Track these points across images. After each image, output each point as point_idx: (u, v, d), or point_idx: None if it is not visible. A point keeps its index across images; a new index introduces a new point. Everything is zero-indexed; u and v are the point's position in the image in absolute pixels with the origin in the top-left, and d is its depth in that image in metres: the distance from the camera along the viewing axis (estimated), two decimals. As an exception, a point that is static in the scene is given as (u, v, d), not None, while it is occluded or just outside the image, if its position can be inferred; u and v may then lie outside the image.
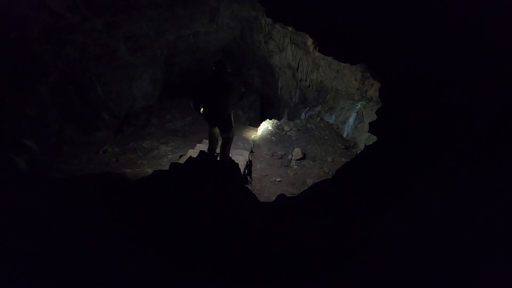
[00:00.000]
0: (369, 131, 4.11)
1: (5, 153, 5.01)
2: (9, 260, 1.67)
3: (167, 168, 3.78)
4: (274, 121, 7.67)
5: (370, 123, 4.04)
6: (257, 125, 9.25)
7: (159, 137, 7.40)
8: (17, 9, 5.54)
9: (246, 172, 5.12)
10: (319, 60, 7.15)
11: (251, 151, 6.00)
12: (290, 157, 5.96)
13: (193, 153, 4.90)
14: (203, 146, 5.16)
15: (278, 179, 5.31)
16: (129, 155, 5.87)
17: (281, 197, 3.90)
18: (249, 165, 5.34)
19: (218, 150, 4.16)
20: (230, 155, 4.42)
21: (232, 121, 3.77)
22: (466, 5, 2.30)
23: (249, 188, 4.68)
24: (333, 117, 7.53)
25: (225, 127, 3.73)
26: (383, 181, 2.92)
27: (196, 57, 10.88)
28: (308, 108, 8.45)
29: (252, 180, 5.29)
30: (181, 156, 5.23)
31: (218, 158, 4.09)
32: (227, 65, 3.53)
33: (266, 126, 7.33)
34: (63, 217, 3.03)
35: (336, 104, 7.63)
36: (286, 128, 7.11)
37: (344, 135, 6.93)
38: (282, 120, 7.92)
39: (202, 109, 3.64)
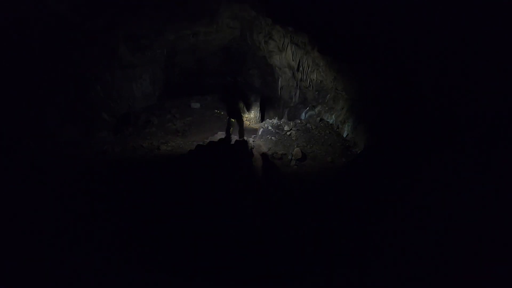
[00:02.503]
0: (369, 131, 4.11)
1: (5, 153, 5.01)
2: (9, 260, 1.67)
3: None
4: (274, 121, 7.66)
5: (370, 123, 4.04)
6: (257, 125, 9.25)
7: (159, 137, 7.39)
8: (17, 9, 5.54)
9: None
10: (319, 60, 7.15)
11: (251, 151, 5.99)
12: (290, 157, 5.95)
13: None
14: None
15: (278, 179, 5.30)
16: (129, 155, 5.87)
17: (281, 196, 3.90)
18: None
19: (233, 136, 6.47)
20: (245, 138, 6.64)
21: (241, 113, 6.35)
22: (463, 7, 2.31)
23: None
24: (333, 117, 7.53)
25: (238, 116, 6.29)
26: (383, 181, 2.92)
27: (196, 57, 10.87)
28: (308, 108, 8.44)
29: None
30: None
31: (233, 139, 6.29)
32: (238, 79, 6.71)
33: (266, 126, 7.33)
34: (63, 216, 3.03)
35: (336, 104, 7.62)
36: (286, 128, 7.11)
37: (344, 135, 6.92)
38: (282, 120, 7.91)
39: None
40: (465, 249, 1.45)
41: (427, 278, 1.43)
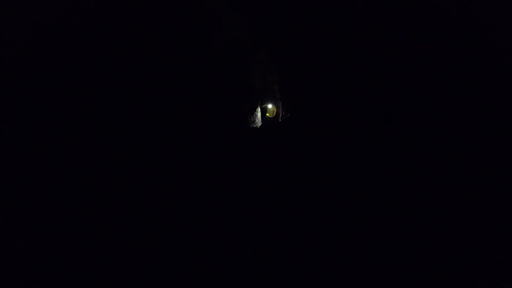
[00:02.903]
0: (368, 131, 4.10)
1: (5, 153, 5.01)
2: (10, 259, 1.67)
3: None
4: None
5: (369, 123, 4.03)
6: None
7: (159, 137, 7.35)
8: (17, 9, 5.54)
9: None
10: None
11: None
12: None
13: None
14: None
15: (278, 179, 5.28)
16: (129, 155, 5.85)
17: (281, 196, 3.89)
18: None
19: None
20: None
21: None
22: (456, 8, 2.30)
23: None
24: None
25: None
26: (382, 181, 2.91)
27: (196, 57, 10.85)
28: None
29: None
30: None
31: None
32: None
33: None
34: (63, 216, 3.03)
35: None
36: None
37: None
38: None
39: None
40: (464, 249, 1.45)
41: (427, 278, 1.43)
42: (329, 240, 2.52)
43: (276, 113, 11.35)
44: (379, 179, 3.05)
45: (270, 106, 11.56)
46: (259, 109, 11.78)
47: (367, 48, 3.48)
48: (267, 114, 11.47)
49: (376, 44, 3.24)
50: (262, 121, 11.18)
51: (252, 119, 11.31)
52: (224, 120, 9.02)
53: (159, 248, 2.59)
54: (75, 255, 2.05)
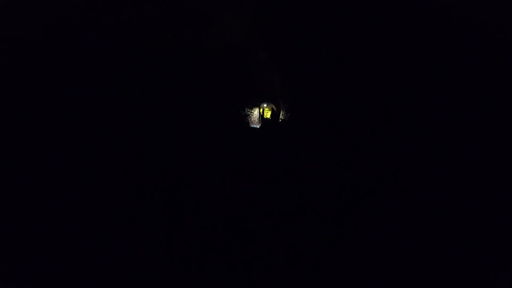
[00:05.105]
0: (369, 130, 4.10)
1: (6, 153, 4.99)
2: (10, 260, 1.66)
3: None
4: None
5: (370, 123, 4.03)
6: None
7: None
8: (17, 9, 5.52)
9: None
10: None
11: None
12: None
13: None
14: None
15: (278, 179, 5.28)
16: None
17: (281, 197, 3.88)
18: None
19: None
20: None
21: None
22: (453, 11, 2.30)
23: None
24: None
25: None
26: (382, 182, 2.92)
27: (196, 57, 10.85)
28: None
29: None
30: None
31: None
32: None
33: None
34: (64, 216, 3.03)
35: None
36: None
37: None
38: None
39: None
40: (464, 249, 1.45)
41: (427, 278, 1.43)
42: (328, 240, 2.52)
43: (275, 113, 11.34)
44: (380, 179, 3.05)
45: (269, 106, 11.56)
46: (258, 109, 11.77)
47: (369, 48, 3.48)
48: (266, 114, 11.47)
49: (377, 44, 3.24)
50: (261, 121, 11.18)
51: (252, 119, 11.31)
52: (224, 120, 9.01)
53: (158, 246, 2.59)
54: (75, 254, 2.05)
